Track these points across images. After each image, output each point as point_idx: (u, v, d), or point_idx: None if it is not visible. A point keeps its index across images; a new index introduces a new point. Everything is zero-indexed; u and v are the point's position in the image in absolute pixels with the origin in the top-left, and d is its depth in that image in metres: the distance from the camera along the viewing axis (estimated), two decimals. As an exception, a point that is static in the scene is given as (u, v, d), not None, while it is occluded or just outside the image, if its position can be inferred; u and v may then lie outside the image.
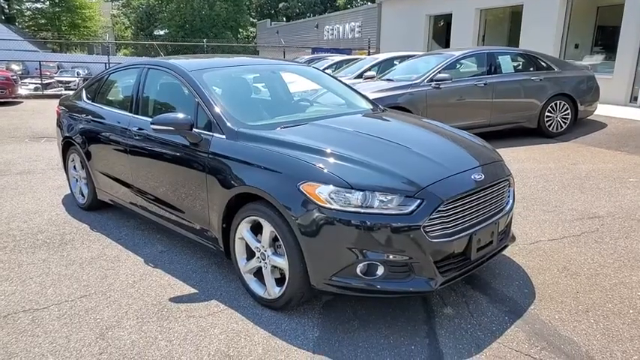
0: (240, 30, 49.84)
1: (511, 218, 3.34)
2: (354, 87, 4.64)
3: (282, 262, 2.86)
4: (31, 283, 3.45)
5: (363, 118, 3.77)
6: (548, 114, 8.26)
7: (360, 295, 2.74)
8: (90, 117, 4.60)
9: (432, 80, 7.55)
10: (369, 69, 10.42)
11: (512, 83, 8.01)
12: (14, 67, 25.24)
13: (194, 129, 3.34)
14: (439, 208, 2.68)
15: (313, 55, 15.95)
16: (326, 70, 12.46)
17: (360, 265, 2.65)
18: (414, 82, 7.59)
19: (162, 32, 49.18)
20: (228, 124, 3.26)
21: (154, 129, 3.36)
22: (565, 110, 8.38)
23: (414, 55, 9.80)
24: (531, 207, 4.82)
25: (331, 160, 2.83)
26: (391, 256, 2.64)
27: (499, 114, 7.96)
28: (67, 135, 4.91)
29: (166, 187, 3.67)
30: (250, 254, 3.12)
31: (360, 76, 10.19)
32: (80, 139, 4.68)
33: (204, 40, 25.33)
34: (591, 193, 5.21)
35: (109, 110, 4.43)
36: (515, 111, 8.08)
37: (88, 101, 4.81)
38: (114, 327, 2.89)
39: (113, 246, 4.08)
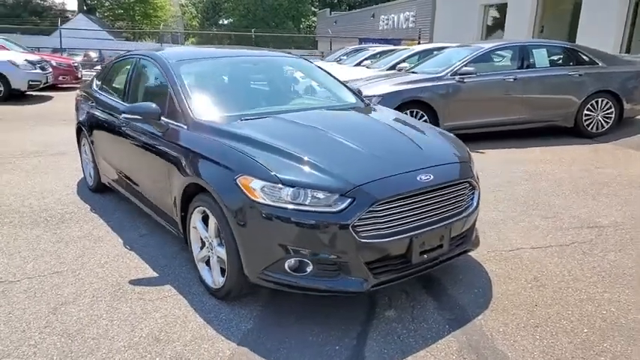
0: (303, 20, 50.11)
1: (474, 222, 3.20)
2: (347, 81, 4.58)
3: (224, 254, 2.90)
4: (17, 256, 3.72)
5: (331, 113, 3.74)
6: (588, 112, 7.73)
7: (290, 290, 2.74)
8: (94, 104, 4.85)
9: (455, 74, 7.28)
10: (404, 60, 10.19)
11: (546, 78, 7.56)
12: (91, 54, 27.08)
13: (163, 118, 3.45)
14: (372, 208, 2.61)
15: (356, 46, 15.79)
16: (365, 61, 12.36)
17: (289, 261, 2.65)
18: (436, 75, 7.35)
19: (226, 22, 50.47)
20: (191, 115, 3.34)
21: (125, 117, 3.50)
22: (608, 108, 7.81)
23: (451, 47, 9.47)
24: (529, 212, 4.56)
25: (271, 154, 2.83)
26: (319, 254, 2.62)
27: (530, 111, 7.55)
28: (79, 120, 5.21)
29: (142, 173, 3.82)
30: (203, 243, 3.19)
31: (393, 67, 10.00)
32: (87, 123, 4.95)
33: (252, 31, 25.67)
34: (604, 201, 4.85)
35: (107, 98, 4.65)
36: (548, 108, 7.63)
37: (95, 88, 5.07)
38: (69, 303, 3.06)
39: (102, 227, 4.31)
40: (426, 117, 7.21)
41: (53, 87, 14.25)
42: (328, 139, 3.08)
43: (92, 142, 4.86)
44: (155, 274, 3.44)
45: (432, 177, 2.85)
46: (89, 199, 5.03)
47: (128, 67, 4.44)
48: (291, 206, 2.60)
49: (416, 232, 2.75)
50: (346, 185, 2.64)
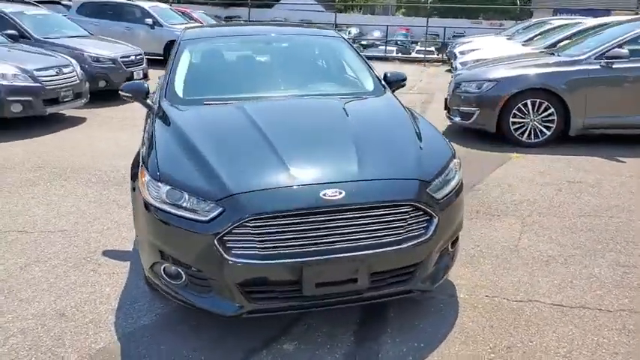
0: (521, -13, 45.34)
1: (430, 257, 2.48)
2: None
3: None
4: (54, 210, 4.17)
5: (305, 103, 3.32)
6: None
7: (169, 298, 2.52)
8: None
9: (601, 57, 5.69)
10: (570, 37, 8.42)
11: None
12: None
13: (156, 99, 3.44)
14: (245, 222, 2.20)
15: (538, 19, 13.59)
16: (536, 37, 10.61)
17: (163, 265, 2.44)
18: (574, 58, 5.88)
19: (433, -10, 48.66)
20: (164, 96, 3.28)
21: (121, 95, 3.60)
22: None
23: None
24: (602, 253, 3.36)
25: (177, 147, 2.62)
26: (189, 266, 2.34)
27: None
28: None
29: None
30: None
31: (554, 45, 8.38)
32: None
33: (428, 2, 24.06)
34: None
35: None
36: None
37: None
38: (40, 262, 3.31)
39: (140, 194, 4.60)
40: (552, 110, 5.87)
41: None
42: (253, 135, 2.69)
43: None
44: (129, 249, 3.54)
45: (342, 194, 2.27)
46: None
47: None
48: (167, 207, 2.36)
49: (309, 258, 2.24)
50: (221, 192, 2.28)
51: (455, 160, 2.70)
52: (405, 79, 3.90)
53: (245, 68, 3.75)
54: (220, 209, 2.24)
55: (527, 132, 6.04)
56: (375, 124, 2.98)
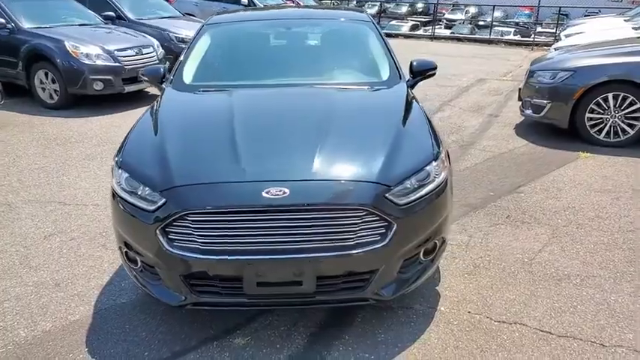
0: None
1: (388, 266, 2.30)
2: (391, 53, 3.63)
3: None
4: (99, 185, 4.52)
5: (298, 93, 3.20)
6: None
7: (134, 282, 2.60)
8: None
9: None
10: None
11: None
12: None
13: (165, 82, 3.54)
14: (184, 216, 2.20)
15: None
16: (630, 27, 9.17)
17: (125, 249, 2.52)
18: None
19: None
20: (169, 82, 3.36)
21: (141, 78, 3.75)
22: None
23: None
24: (626, 278, 2.88)
25: (146, 136, 2.71)
26: (141, 253, 2.40)
27: None
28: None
29: None
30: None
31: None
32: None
33: None
34: None
35: None
36: None
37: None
38: (62, 233, 3.59)
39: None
40: (639, 105, 5.09)
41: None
42: (221, 127, 2.68)
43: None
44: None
45: (286, 193, 2.17)
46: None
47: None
48: (125, 195, 2.43)
49: (250, 257, 2.19)
50: (166, 183, 2.30)
51: (434, 163, 2.44)
52: (434, 68, 3.58)
53: (257, 55, 3.69)
54: (163, 200, 2.26)
55: (606, 130, 5.31)
56: (358, 119, 2.80)
